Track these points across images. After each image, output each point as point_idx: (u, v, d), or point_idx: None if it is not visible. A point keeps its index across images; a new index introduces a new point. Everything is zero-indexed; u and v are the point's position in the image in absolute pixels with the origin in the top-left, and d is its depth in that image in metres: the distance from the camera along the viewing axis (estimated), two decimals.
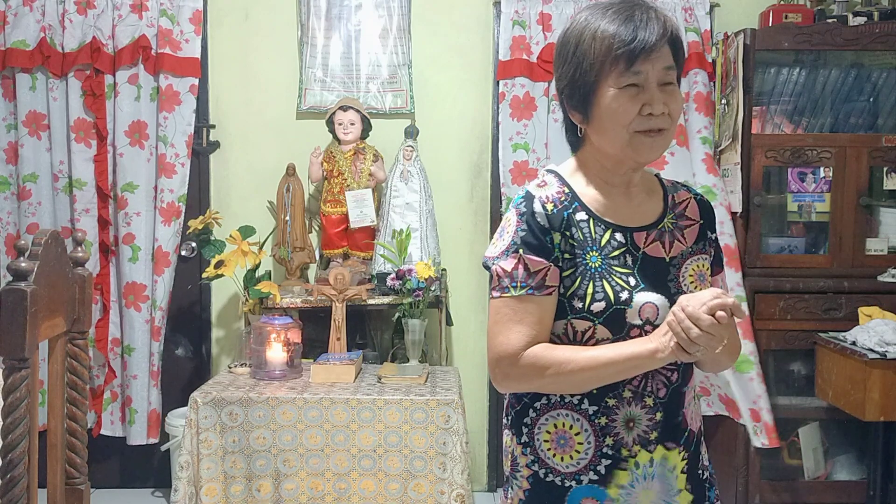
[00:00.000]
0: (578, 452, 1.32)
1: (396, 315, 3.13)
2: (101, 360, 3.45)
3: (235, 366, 3.00)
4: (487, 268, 1.35)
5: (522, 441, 1.37)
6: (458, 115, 3.57)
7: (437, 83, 3.55)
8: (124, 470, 3.62)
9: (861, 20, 3.10)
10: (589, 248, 1.32)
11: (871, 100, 3.29)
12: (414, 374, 2.84)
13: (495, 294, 1.32)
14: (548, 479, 1.34)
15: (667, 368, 1.32)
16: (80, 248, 1.83)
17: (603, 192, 1.37)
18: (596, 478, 1.31)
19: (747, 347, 3.06)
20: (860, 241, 3.14)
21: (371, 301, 3.14)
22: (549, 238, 1.30)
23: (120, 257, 3.42)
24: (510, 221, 1.33)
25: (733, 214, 3.21)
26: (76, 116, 3.37)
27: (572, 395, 1.32)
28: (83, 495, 1.84)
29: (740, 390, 3.10)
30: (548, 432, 1.34)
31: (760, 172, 3.15)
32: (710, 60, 3.36)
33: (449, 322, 3.41)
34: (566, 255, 1.31)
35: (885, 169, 3.17)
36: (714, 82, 3.34)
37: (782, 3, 3.30)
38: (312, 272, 3.53)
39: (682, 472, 1.35)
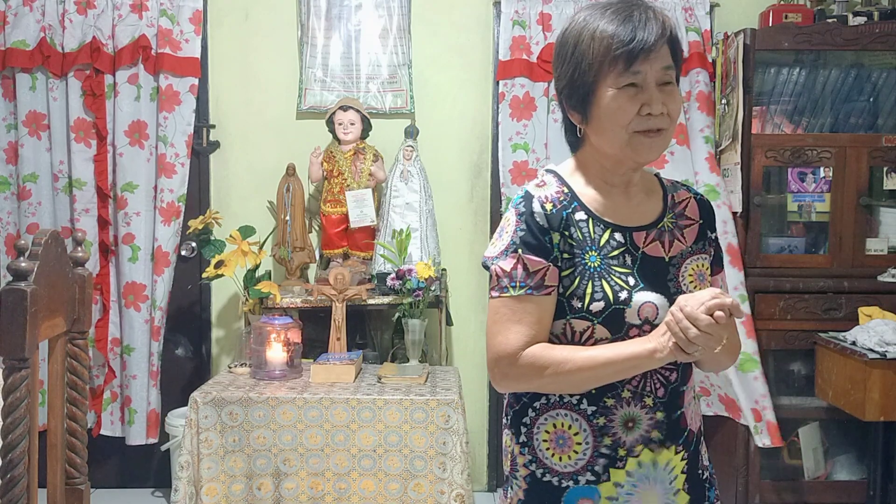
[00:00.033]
0: (577, 452, 1.32)
1: (396, 315, 3.13)
2: (100, 360, 3.45)
3: (235, 366, 3.00)
4: (487, 268, 1.35)
5: (521, 441, 1.37)
6: (458, 115, 3.57)
7: (437, 83, 3.55)
8: (124, 470, 3.62)
9: (861, 20, 3.10)
10: (588, 248, 1.31)
11: (871, 100, 3.28)
12: (414, 374, 2.84)
13: (494, 294, 1.32)
14: (545, 479, 1.34)
15: (665, 368, 1.32)
16: (79, 248, 1.83)
17: (602, 191, 1.37)
18: (593, 478, 1.31)
19: (750, 347, 3.06)
20: (860, 241, 3.14)
21: (371, 301, 3.14)
22: (548, 238, 1.30)
23: (120, 257, 3.42)
24: (509, 221, 1.33)
25: (734, 214, 3.21)
26: (76, 116, 3.37)
27: (571, 395, 1.32)
28: (83, 495, 1.84)
29: (743, 389, 3.10)
30: (546, 432, 1.34)
31: (760, 172, 3.15)
32: (710, 60, 3.36)
33: (449, 322, 3.41)
34: (565, 255, 1.30)
35: (885, 169, 3.17)
36: (714, 82, 3.34)
37: (782, 3, 3.30)
38: (312, 272, 3.53)
39: (682, 472, 1.35)
